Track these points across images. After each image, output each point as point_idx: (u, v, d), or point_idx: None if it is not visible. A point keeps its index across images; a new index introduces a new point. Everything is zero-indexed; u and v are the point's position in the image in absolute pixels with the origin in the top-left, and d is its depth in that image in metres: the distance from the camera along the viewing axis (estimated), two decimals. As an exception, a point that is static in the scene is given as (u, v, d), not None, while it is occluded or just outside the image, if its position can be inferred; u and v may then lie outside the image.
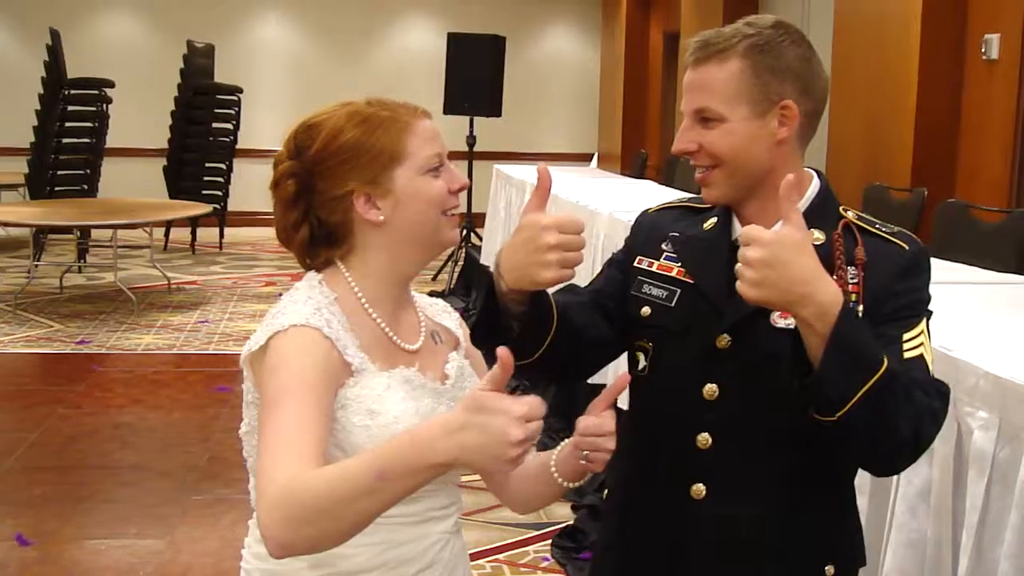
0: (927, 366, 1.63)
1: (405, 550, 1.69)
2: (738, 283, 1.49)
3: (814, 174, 1.80)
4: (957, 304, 2.91)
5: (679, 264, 1.82)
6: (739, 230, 1.75)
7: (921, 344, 1.64)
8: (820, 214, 1.74)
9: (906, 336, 1.63)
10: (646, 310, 1.82)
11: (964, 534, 2.14)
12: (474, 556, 3.99)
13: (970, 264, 3.86)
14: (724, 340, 1.72)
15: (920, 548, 2.25)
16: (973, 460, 2.15)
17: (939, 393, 1.61)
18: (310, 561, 1.64)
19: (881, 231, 1.73)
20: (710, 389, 1.73)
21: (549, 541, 4.15)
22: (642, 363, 1.83)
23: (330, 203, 1.71)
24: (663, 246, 1.85)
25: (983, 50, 5.67)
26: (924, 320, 1.68)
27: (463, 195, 1.79)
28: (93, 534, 4.23)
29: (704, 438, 1.73)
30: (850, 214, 1.76)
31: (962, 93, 5.88)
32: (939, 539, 2.23)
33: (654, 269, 1.84)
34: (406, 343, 1.76)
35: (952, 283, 3.35)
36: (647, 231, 1.91)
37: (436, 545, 1.73)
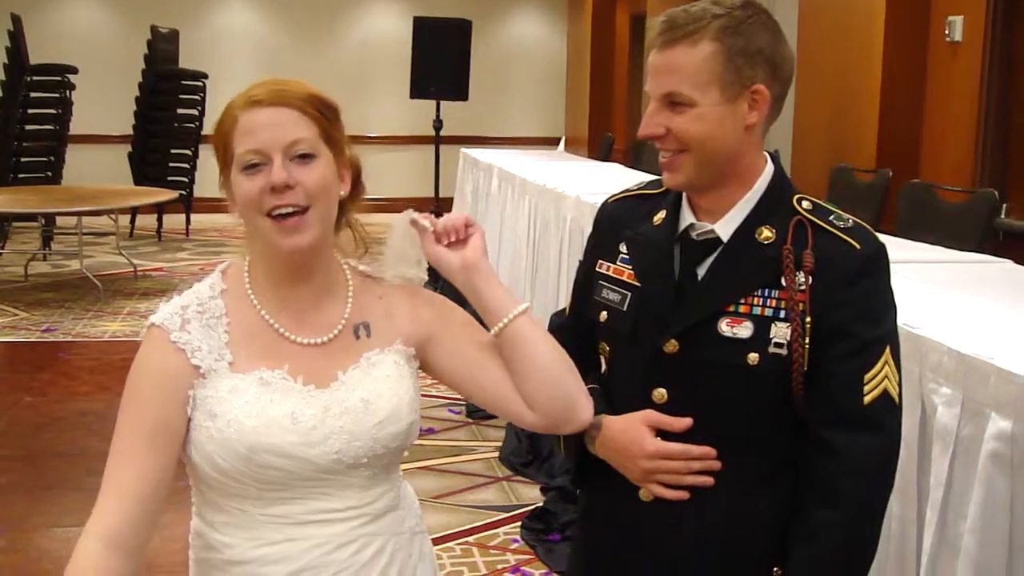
0: (892, 399, 1.63)
1: (277, 549, 1.64)
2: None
3: (768, 158, 1.75)
4: (921, 282, 2.93)
5: (630, 267, 1.80)
6: (686, 221, 1.75)
7: (885, 377, 1.62)
8: (771, 206, 1.70)
9: (867, 377, 1.61)
10: (604, 315, 1.81)
11: (928, 510, 2.17)
12: (444, 539, 4.00)
13: (934, 243, 3.90)
14: (672, 345, 1.70)
15: (885, 525, 2.27)
16: (937, 436, 2.17)
17: (882, 454, 1.65)
18: (206, 542, 1.69)
19: (835, 226, 1.67)
20: (659, 393, 1.72)
21: (519, 523, 4.16)
22: (603, 367, 1.85)
23: None
24: (620, 247, 1.82)
25: (946, 32, 5.72)
26: (887, 348, 1.63)
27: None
28: (61, 522, 4.20)
29: None
30: (804, 204, 1.70)
31: (926, 75, 5.93)
32: (904, 515, 2.25)
33: (610, 273, 1.82)
34: (300, 336, 1.68)
35: (916, 262, 3.38)
36: (606, 230, 1.88)
37: (323, 547, 1.65)
